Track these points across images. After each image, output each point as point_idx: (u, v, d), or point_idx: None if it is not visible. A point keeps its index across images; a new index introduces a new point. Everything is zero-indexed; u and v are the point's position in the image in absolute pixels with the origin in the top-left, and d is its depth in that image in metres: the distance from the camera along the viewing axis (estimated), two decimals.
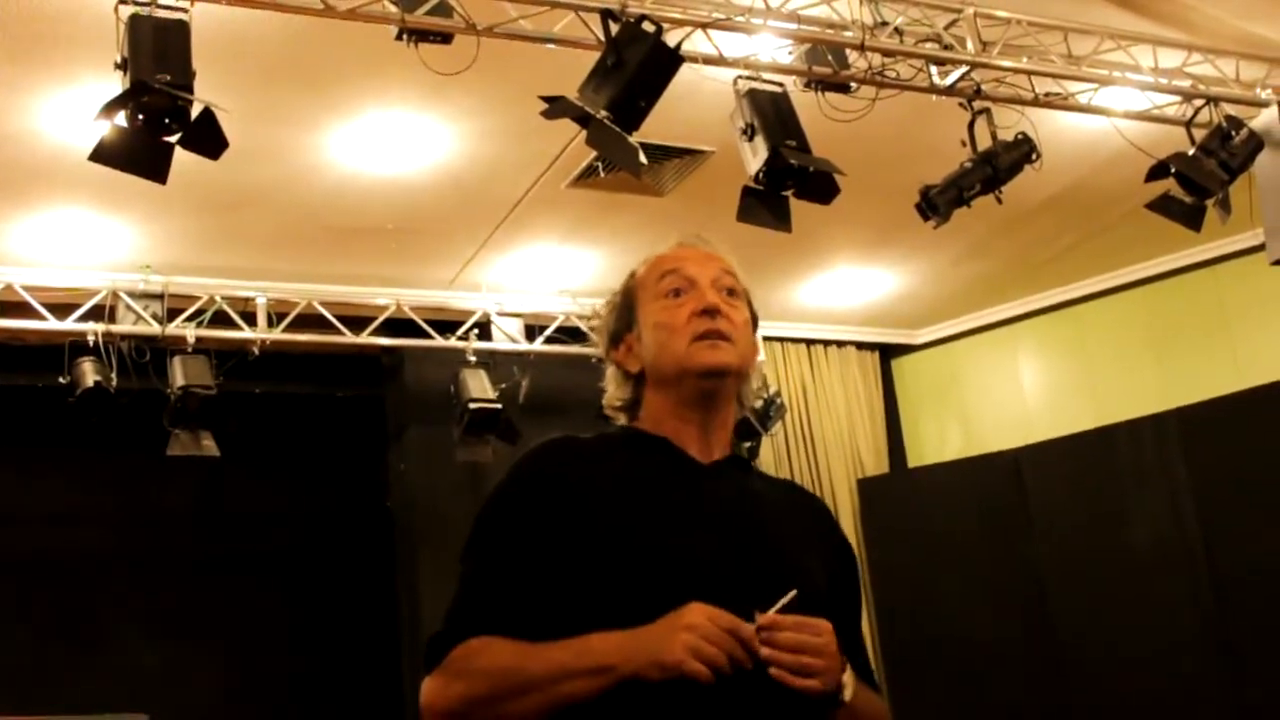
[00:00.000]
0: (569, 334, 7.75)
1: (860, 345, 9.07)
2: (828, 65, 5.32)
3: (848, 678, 2.04)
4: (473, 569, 2.12)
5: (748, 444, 8.14)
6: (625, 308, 2.32)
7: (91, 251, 6.57)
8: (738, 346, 2.22)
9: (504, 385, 7.40)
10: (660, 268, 2.30)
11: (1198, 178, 5.72)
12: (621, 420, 2.31)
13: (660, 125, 5.04)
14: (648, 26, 4.65)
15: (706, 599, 1.94)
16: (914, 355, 9.28)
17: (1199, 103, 5.95)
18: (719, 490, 2.18)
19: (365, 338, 7.23)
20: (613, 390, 2.32)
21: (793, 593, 1.95)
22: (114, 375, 6.51)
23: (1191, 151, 5.79)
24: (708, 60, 5.16)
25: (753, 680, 1.92)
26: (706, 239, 2.35)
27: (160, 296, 6.74)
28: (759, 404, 8.05)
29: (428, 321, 7.43)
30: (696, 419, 2.23)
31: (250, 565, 8.04)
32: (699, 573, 2.02)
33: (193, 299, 6.86)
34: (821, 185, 5.09)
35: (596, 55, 4.71)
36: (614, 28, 4.65)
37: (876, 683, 2.34)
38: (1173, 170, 5.73)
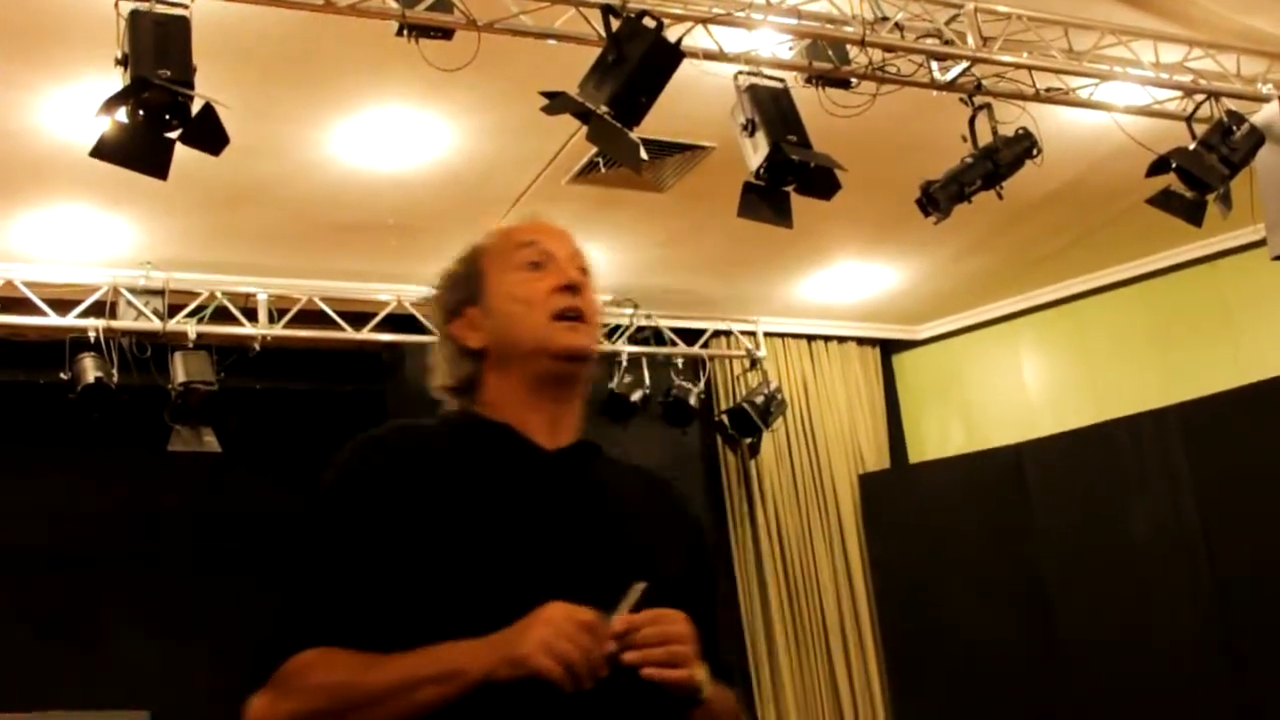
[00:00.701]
0: None
1: (861, 341, 9.07)
2: (828, 60, 5.32)
3: (703, 674, 1.90)
4: (302, 572, 1.94)
5: (749, 440, 8.16)
6: (469, 277, 2.16)
7: (92, 247, 6.56)
8: (593, 330, 2.12)
9: None
10: (516, 238, 2.18)
11: (1199, 173, 5.72)
12: (454, 404, 2.14)
13: (661, 121, 5.03)
14: (648, 22, 4.65)
15: (554, 598, 1.81)
16: (915, 351, 9.28)
17: (1200, 98, 5.95)
18: (566, 479, 2.04)
19: (366, 334, 7.23)
20: (446, 368, 2.14)
21: (641, 585, 1.83)
22: (115, 371, 6.51)
23: (1192, 146, 5.79)
24: (708, 56, 5.16)
25: (612, 685, 1.79)
26: (553, 218, 2.25)
27: (161, 292, 6.74)
28: (760, 399, 8.06)
29: (429, 318, 7.42)
30: (546, 403, 2.08)
31: (252, 561, 8.04)
32: (545, 571, 1.89)
33: (193, 295, 6.86)
34: (822, 181, 5.10)
35: (597, 51, 4.72)
36: (615, 23, 4.65)
37: (731, 671, 2.19)
38: (1174, 165, 5.73)
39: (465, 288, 2.16)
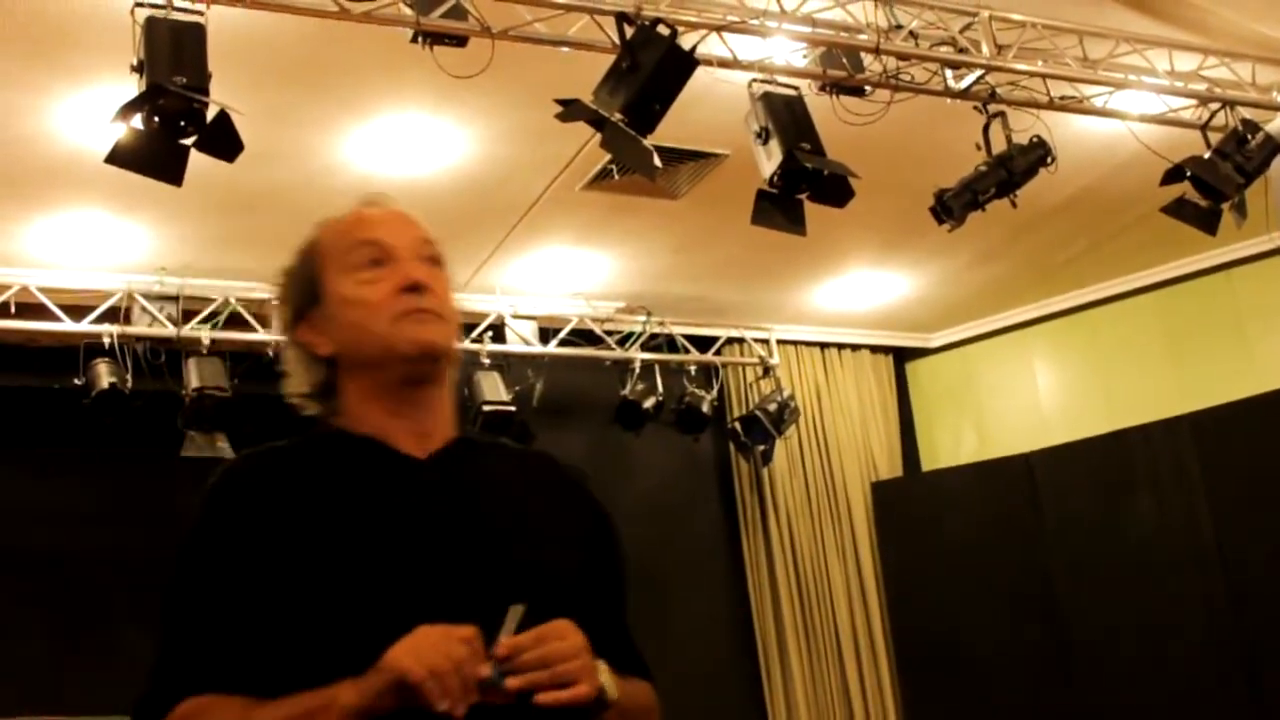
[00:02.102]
0: (583, 336, 7.75)
1: (874, 349, 9.07)
2: (842, 68, 5.32)
3: (604, 676, 1.80)
4: (174, 620, 1.86)
5: (762, 447, 8.15)
6: (307, 279, 2.02)
7: (107, 253, 6.58)
8: (448, 322, 1.96)
9: (518, 388, 7.40)
10: (350, 234, 2.02)
11: (1213, 181, 5.71)
12: (312, 409, 2.02)
13: (675, 128, 5.04)
14: (663, 30, 4.65)
15: (430, 619, 1.71)
16: (928, 359, 9.27)
17: (1215, 106, 5.94)
18: (437, 490, 1.91)
19: None
20: (298, 375, 2.01)
21: (519, 608, 1.74)
22: (129, 377, 6.51)
23: (1207, 155, 5.79)
24: (722, 63, 5.16)
25: (511, 710, 1.71)
26: (393, 198, 2.09)
27: (175, 298, 6.75)
28: (773, 407, 8.05)
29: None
30: (408, 408, 1.94)
31: None
32: (420, 592, 1.80)
33: (208, 301, 6.87)
34: (836, 188, 5.10)
35: (611, 58, 4.72)
36: (629, 31, 4.66)
37: (642, 663, 2.06)
38: (1188, 174, 5.72)
39: (305, 290, 2.02)
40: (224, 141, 4.34)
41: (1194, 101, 5.98)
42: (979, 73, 5.48)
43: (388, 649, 1.67)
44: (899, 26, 5.33)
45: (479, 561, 1.86)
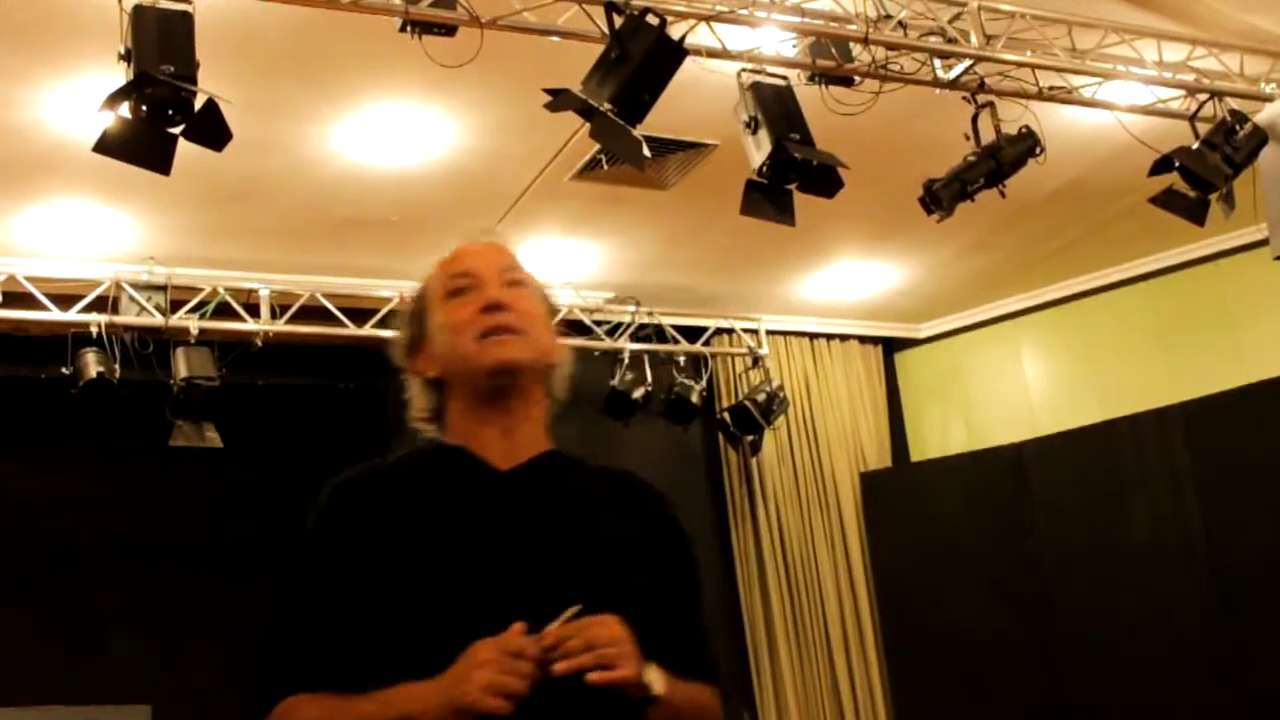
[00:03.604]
0: (572, 326, 7.75)
1: (863, 339, 9.08)
2: (831, 59, 5.32)
3: (653, 674, 1.97)
4: (281, 621, 2.08)
5: (751, 438, 8.16)
6: (418, 315, 2.25)
7: (95, 243, 6.57)
8: (529, 338, 2.16)
9: None
10: (446, 269, 2.25)
11: (1202, 172, 5.72)
12: (430, 430, 2.23)
13: (664, 118, 5.03)
14: (651, 19, 4.65)
15: (502, 622, 1.90)
16: (917, 349, 9.28)
17: (1203, 97, 5.95)
18: (518, 500, 2.10)
19: (368, 330, 7.21)
20: (417, 401, 2.25)
21: (574, 609, 1.92)
22: (117, 366, 6.51)
23: (1195, 146, 5.79)
24: (711, 53, 5.15)
25: (557, 699, 1.89)
26: (492, 230, 2.32)
27: (163, 288, 6.74)
28: (761, 397, 8.06)
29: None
30: (495, 420, 2.15)
31: (253, 556, 8.05)
32: (494, 596, 1.97)
33: (196, 290, 6.86)
34: (825, 179, 5.10)
35: (600, 48, 4.71)
36: (618, 21, 4.65)
37: (711, 667, 2.24)
38: (1177, 165, 5.73)
39: (416, 324, 2.25)
40: (212, 130, 4.34)
41: (1182, 92, 5.99)
42: (968, 63, 5.48)
43: (460, 646, 1.88)
44: (888, 16, 5.33)
45: (545, 570, 2.03)
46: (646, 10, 4.66)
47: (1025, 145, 5.59)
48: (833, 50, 5.32)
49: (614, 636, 1.92)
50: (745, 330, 8.51)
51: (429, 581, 1.99)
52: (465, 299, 2.17)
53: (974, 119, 5.61)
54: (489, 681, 1.85)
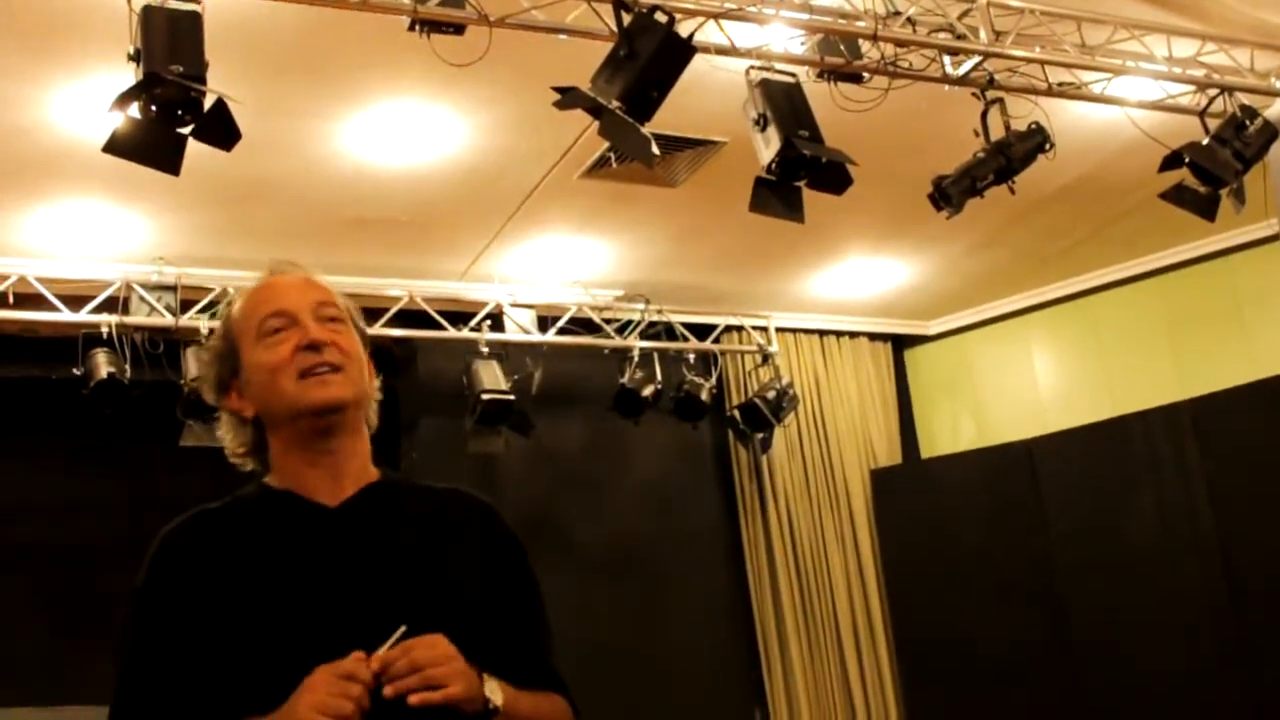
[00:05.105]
0: (582, 325, 7.75)
1: (873, 336, 9.08)
2: (840, 55, 5.31)
3: (489, 684, 2.02)
4: (123, 671, 2.11)
5: (761, 435, 8.15)
6: (227, 354, 2.22)
7: (105, 243, 6.58)
8: (349, 375, 2.16)
9: (517, 376, 7.40)
10: (257, 309, 2.20)
11: (1212, 167, 5.71)
12: (250, 465, 2.25)
13: (673, 116, 5.03)
14: (660, 17, 4.64)
15: (339, 652, 1.93)
16: (927, 346, 9.28)
17: (1213, 92, 5.93)
18: (348, 532, 2.13)
19: (378, 329, 7.21)
20: (231, 438, 2.25)
21: (400, 629, 1.96)
22: (127, 366, 6.52)
23: (1205, 141, 5.78)
24: (720, 51, 5.15)
25: (394, 715, 1.92)
26: (297, 264, 2.28)
27: (173, 288, 6.76)
28: (771, 395, 8.06)
29: (440, 313, 7.43)
30: (320, 459, 2.16)
31: None
32: (325, 630, 2.00)
33: (206, 290, 6.87)
34: (834, 176, 5.09)
35: (609, 46, 4.71)
36: (626, 18, 4.64)
37: (558, 677, 2.26)
38: (1187, 160, 5.71)
39: (226, 362, 2.22)
40: (221, 130, 4.33)
41: (1192, 87, 5.97)
42: (977, 59, 5.47)
43: (294, 681, 1.91)
44: (897, 13, 5.31)
45: (378, 598, 2.05)
46: (655, 8, 4.65)
47: (1035, 141, 5.59)
48: (841, 47, 5.32)
49: (439, 655, 1.96)
50: (755, 328, 8.51)
51: (264, 620, 2.02)
52: (280, 337, 2.15)
53: (983, 115, 5.60)
54: (318, 703, 1.88)
